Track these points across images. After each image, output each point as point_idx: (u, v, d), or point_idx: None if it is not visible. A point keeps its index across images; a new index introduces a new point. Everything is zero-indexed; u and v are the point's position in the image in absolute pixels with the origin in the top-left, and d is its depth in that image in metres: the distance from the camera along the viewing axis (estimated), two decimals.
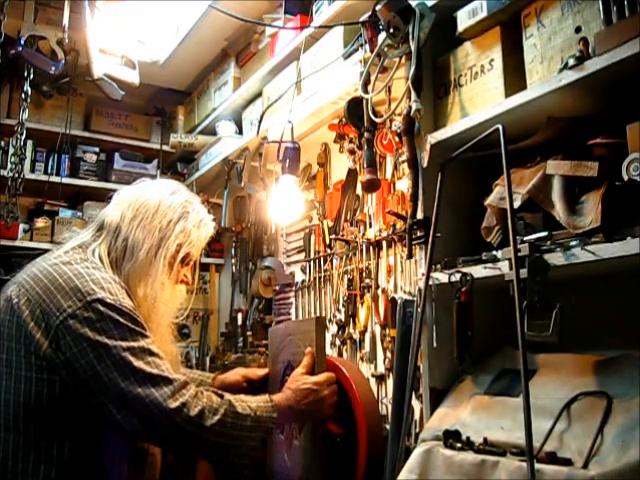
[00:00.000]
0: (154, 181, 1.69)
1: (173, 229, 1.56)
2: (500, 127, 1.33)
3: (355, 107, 1.95)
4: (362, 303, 2.24)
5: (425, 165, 1.59)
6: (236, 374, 1.91)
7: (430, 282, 1.51)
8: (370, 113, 1.76)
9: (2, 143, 3.11)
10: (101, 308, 1.39)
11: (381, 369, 2.14)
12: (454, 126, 1.54)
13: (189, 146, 3.38)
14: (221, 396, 1.49)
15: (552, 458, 1.14)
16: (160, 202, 1.58)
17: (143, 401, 1.36)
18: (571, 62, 1.24)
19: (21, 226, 3.19)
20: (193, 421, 1.39)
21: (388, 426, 1.87)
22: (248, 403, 1.51)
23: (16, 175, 2.98)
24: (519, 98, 1.36)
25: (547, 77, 1.34)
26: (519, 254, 1.26)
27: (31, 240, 3.23)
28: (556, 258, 1.24)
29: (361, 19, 1.86)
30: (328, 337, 2.45)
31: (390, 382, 2.06)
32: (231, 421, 1.44)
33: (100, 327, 1.38)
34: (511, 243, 1.25)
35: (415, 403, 1.83)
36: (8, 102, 3.19)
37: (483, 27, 1.52)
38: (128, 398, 1.37)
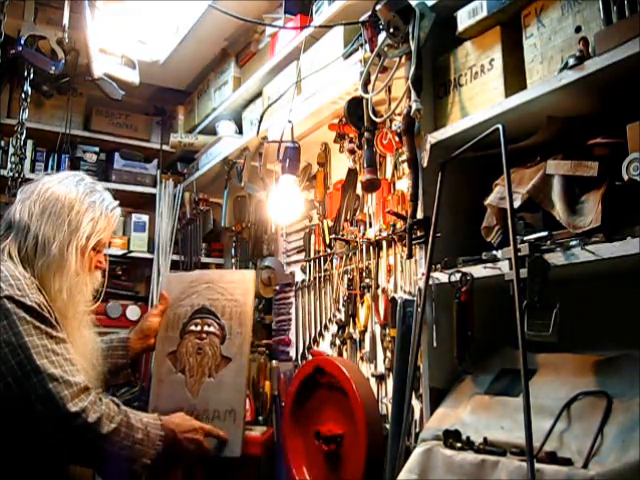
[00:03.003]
0: (56, 175, 1.70)
1: (82, 221, 1.59)
2: (500, 127, 1.33)
3: (355, 107, 1.95)
4: (362, 303, 2.24)
5: (425, 165, 1.59)
6: (151, 318, 1.96)
7: (430, 282, 1.51)
8: (370, 113, 1.76)
9: (2, 143, 3.10)
10: (8, 305, 1.41)
11: (381, 369, 2.14)
12: (454, 126, 1.54)
13: (189, 146, 3.37)
14: (118, 405, 1.52)
15: (552, 458, 1.14)
16: (66, 195, 1.60)
17: (44, 403, 1.38)
18: (571, 62, 1.24)
19: None
20: (91, 427, 1.41)
21: (388, 426, 1.87)
22: (141, 417, 1.55)
23: (16, 175, 2.97)
24: (519, 98, 1.36)
25: (547, 77, 1.34)
26: (519, 254, 1.26)
27: None
28: (556, 258, 1.24)
29: (361, 19, 1.86)
30: (328, 337, 2.46)
31: (390, 382, 2.06)
32: (125, 431, 1.48)
33: (6, 325, 1.40)
34: (511, 243, 1.25)
35: (415, 403, 1.83)
36: (8, 102, 3.18)
37: (483, 27, 1.52)
38: (30, 399, 1.38)
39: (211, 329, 1.94)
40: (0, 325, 1.40)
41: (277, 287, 2.81)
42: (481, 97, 1.51)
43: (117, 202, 1.72)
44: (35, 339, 1.41)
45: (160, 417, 1.62)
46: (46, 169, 3.33)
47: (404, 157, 1.77)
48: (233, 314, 1.94)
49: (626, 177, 1.15)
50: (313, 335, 2.54)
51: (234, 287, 1.97)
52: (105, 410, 1.46)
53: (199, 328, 1.95)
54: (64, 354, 1.45)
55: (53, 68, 2.75)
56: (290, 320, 2.72)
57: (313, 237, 2.61)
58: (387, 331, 2.10)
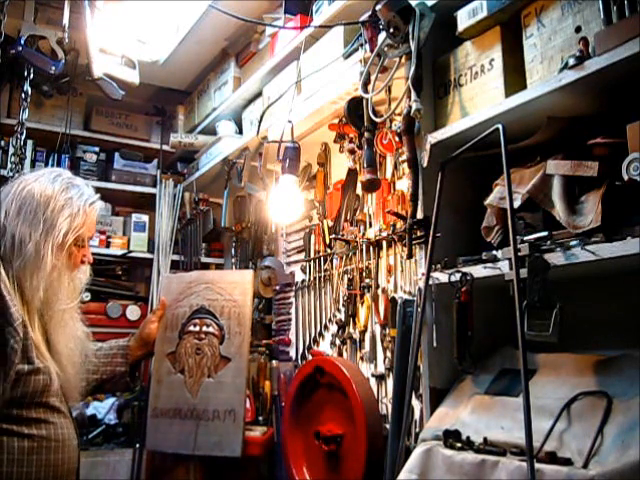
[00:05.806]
0: (35, 172, 1.67)
1: (57, 218, 1.57)
2: (500, 127, 1.33)
3: (355, 107, 1.95)
4: (362, 303, 2.24)
5: (425, 165, 1.59)
6: (149, 325, 1.99)
7: (430, 282, 1.51)
8: (370, 113, 1.76)
9: (2, 143, 3.11)
10: None
11: (381, 369, 2.14)
12: (454, 126, 1.54)
13: (189, 146, 3.37)
14: None
15: (552, 458, 1.15)
16: (42, 193, 1.58)
17: None
18: (571, 62, 1.24)
19: None
20: None
21: (388, 426, 1.87)
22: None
23: (16, 175, 2.97)
24: (519, 98, 1.36)
25: (547, 77, 1.34)
26: (519, 254, 1.26)
27: None
28: (556, 258, 1.24)
29: (361, 19, 1.86)
30: (328, 337, 2.46)
31: (390, 382, 2.06)
32: None
33: None
34: (511, 243, 1.25)
35: (415, 403, 1.83)
36: (8, 102, 3.18)
37: (483, 27, 1.52)
38: None
39: (210, 329, 1.96)
40: None
41: (277, 287, 2.81)
42: (481, 97, 1.52)
43: (97, 195, 1.70)
44: None
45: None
46: None
47: (404, 157, 1.77)
48: (232, 314, 1.95)
49: (626, 177, 1.15)
50: (313, 335, 2.54)
51: (233, 287, 1.99)
52: None
53: (198, 328, 1.97)
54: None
55: (53, 68, 2.74)
56: (290, 320, 2.72)
57: (313, 237, 2.61)
58: (387, 331, 2.10)
